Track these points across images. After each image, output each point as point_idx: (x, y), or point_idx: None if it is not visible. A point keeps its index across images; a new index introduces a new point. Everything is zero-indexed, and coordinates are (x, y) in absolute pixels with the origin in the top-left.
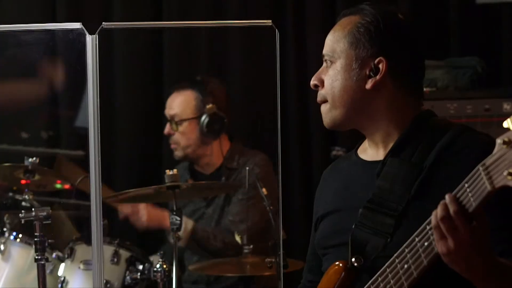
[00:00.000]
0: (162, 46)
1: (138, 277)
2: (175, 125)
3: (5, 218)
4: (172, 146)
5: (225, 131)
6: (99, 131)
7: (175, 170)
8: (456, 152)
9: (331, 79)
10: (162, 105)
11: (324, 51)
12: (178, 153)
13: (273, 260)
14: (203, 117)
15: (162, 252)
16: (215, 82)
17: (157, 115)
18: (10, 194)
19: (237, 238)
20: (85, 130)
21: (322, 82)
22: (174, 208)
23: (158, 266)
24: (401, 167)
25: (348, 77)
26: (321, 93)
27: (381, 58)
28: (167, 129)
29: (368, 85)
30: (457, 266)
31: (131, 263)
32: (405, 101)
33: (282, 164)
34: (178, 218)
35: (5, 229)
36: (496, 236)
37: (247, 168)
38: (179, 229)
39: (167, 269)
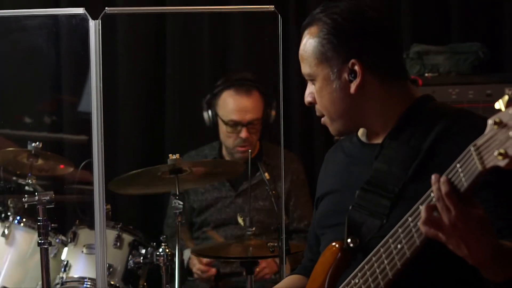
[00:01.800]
0: (165, 31)
1: (141, 261)
2: (253, 129)
3: (8, 202)
4: (243, 149)
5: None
6: (102, 116)
7: (177, 155)
8: (452, 135)
9: (318, 96)
10: (164, 90)
11: (303, 72)
12: (246, 155)
13: (276, 244)
14: (266, 114)
15: (164, 236)
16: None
17: (160, 100)
18: (14, 178)
19: (240, 221)
20: (88, 115)
21: (314, 98)
22: (177, 193)
23: (161, 250)
24: (399, 150)
25: (332, 89)
26: (317, 108)
27: (353, 61)
28: (245, 133)
29: (352, 89)
30: (457, 248)
31: (134, 247)
32: (395, 89)
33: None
34: (181, 203)
35: (9, 213)
36: (494, 213)
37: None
38: (181, 213)
39: (170, 253)
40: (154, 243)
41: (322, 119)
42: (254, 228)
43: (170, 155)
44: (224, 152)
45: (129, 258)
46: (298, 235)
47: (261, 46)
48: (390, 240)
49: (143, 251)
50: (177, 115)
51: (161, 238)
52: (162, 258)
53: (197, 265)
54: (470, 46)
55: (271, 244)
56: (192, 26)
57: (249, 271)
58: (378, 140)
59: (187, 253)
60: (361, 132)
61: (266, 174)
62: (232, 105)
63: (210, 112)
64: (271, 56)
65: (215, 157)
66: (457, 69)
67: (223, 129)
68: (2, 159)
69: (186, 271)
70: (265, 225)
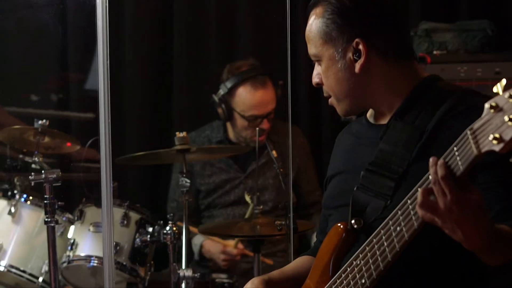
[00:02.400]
0: (172, 8)
1: (148, 239)
2: (270, 116)
3: (15, 180)
4: (262, 138)
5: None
6: (109, 93)
7: (184, 133)
8: (456, 115)
9: (324, 76)
10: (171, 68)
11: (309, 53)
12: (262, 141)
13: (283, 222)
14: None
15: (172, 214)
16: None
17: (167, 77)
18: (20, 156)
19: (247, 199)
20: (95, 93)
21: (321, 79)
22: (184, 171)
23: (168, 228)
24: (404, 130)
25: (337, 70)
26: (324, 88)
27: (357, 40)
28: (266, 124)
29: (357, 69)
30: (452, 233)
31: (140, 225)
32: (400, 68)
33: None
34: (188, 181)
35: (15, 191)
36: (494, 196)
37: (257, 128)
38: (188, 191)
39: (177, 231)
40: (161, 221)
41: (330, 99)
42: (261, 206)
43: (177, 133)
44: (231, 135)
45: (136, 237)
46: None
47: (268, 25)
48: (390, 222)
49: (150, 229)
50: (184, 92)
51: (168, 216)
52: (169, 236)
53: (219, 252)
54: (478, 24)
55: (279, 222)
56: (199, 5)
57: (256, 249)
58: (385, 121)
59: (198, 239)
60: (369, 113)
61: (274, 152)
62: (251, 100)
63: (224, 107)
64: (279, 37)
65: (220, 139)
66: (465, 47)
67: (240, 122)
68: (8, 137)
69: (199, 254)
70: (275, 203)
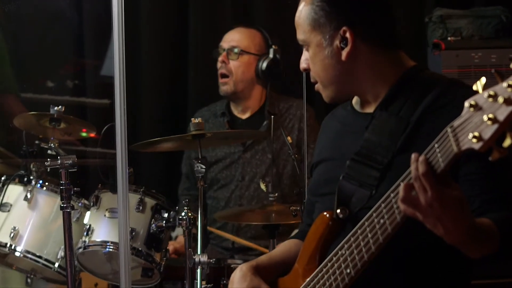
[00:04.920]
0: None
1: (164, 225)
2: (235, 55)
3: (31, 166)
4: (222, 80)
5: (276, 80)
6: (125, 79)
7: (199, 119)
8: (440, 107)
9: (311, 62)
10: (188, 51)
11: (298, 38)
12: (227, 87)
13: (298, 208)
14: (265, 57)
15: (187, 200)
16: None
17: (183, 61)
18: (36, 142)
19: (262, 186)
20: (111, 79)
21: (309, 65)
22: (200, 157)
23: (183, 214)
24: (389, 121)
25: (324, 56)
26: (311, 74)
27: (344, 28)
28: (222, 56)
29: (343, 56)
30: (434, 228)
31: (156, 211)
32: (386, 57)
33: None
34: (203, 167)
35: (31, 177)
36: (476, 187)
37: (272, 116)
38: (204, 177)
39: (192, 217)
40: (177, 207)
41: (316, 85)
42: (276, 194)
43: (192, 119)
44: (233, 107)
45: (152, 222)
46: None
47: (283, 9)
48: (374, 215)
49: (166, 215)
50: (199, 77)
51: (183, 202)
52: (184, 222)
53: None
54: (493, 10)
55: (294, 208)
56: None
57: (272, 236)
58: (370, 109)
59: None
60: (355, 100)
61: (289, 138)
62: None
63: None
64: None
65: (223, 111)
66: (480, 33)
67: None
68: (24, 123)
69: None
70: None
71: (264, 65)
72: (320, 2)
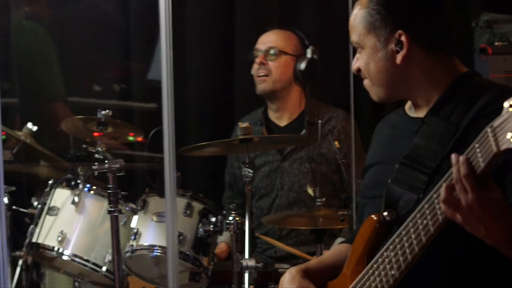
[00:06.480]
0: None
1: (211, 229)
2: (272, 55)
3: (78, 170)
4: (260, 78)
5: (314, 81)
6: (172, 83)
7: (247, 123)
8: (490, 113)
9: (364, 63)
10: (234, 56)
11: (351, 40)
12: (265, 85)
13: (346, 213)
14: (303, 58)
15: (235, 204)
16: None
17: (230, 66)
18: (84, 146)
19: (310, 191)
20: (158, 83)
21: (362, 66)
22: (247, 161)
23: (231, 218)
24: (439, 126)
25: (378, 58)
26: (362, 73)
27: (400, 31)
28: (260, 58)
29: (398, 60)
30: (475, 230)
31: (203, 215)
32: (440, 63)
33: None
34: (251, 171)
35: (79, 181)
36: None
37: (319, 121)
38: (251, 181)
39: (240, 221)
40: (224, 211)
41: (364, 81)
42: (324, 199)
43: (240, 123)
44: (270, 113)
45: (199, 226)
46: None
47: (330, 17)
48: (417, 216)
49: (213, 219)
50: (246, 82)
51: (231, 206)
52: (232, 226)
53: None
54: None
55: (341, 212)
56: None
57: (319, 240)
58: (421, 114)
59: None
60: (408, 105)
61: (336, 143)
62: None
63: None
64: (340, 20)
65: (259, 119)
66: None
67: None
68: (72, 127)
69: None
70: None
71: (303, 65)
72: (376, 5)
